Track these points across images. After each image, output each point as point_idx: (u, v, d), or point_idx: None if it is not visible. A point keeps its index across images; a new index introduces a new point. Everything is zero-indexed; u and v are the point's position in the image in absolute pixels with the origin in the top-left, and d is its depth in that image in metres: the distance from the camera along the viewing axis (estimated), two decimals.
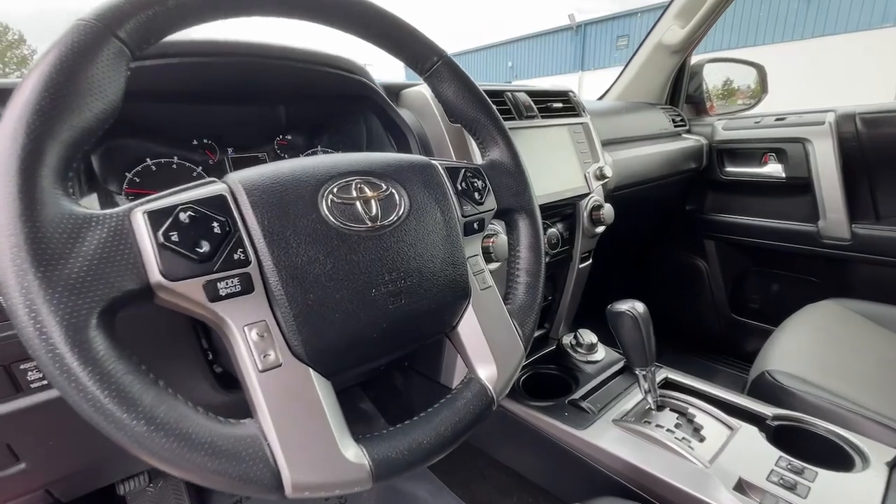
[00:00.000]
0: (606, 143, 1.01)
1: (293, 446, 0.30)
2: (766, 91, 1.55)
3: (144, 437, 0.26)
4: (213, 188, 0.32)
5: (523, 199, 0.50)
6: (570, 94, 0.93)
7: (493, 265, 0.54)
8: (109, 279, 0.27)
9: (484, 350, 0.42)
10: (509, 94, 0.79)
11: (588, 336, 0.89)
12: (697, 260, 1.48)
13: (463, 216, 0.44)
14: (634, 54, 1.39)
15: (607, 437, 0.66)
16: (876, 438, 0.62)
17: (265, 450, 0.29)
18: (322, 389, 0.33)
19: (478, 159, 0.58)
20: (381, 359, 0.39)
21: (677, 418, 0.68)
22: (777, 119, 1.24)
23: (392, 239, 0.37)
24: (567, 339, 0.91)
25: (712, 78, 1.57)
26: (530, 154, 0.77)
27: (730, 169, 1.34)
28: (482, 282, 0.45)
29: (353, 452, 0.32)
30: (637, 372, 0.70)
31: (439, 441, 0.37)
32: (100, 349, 0.26)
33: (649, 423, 0.68)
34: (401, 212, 0.39)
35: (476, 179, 0.47)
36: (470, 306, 0.43)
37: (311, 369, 0.33)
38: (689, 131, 1.38)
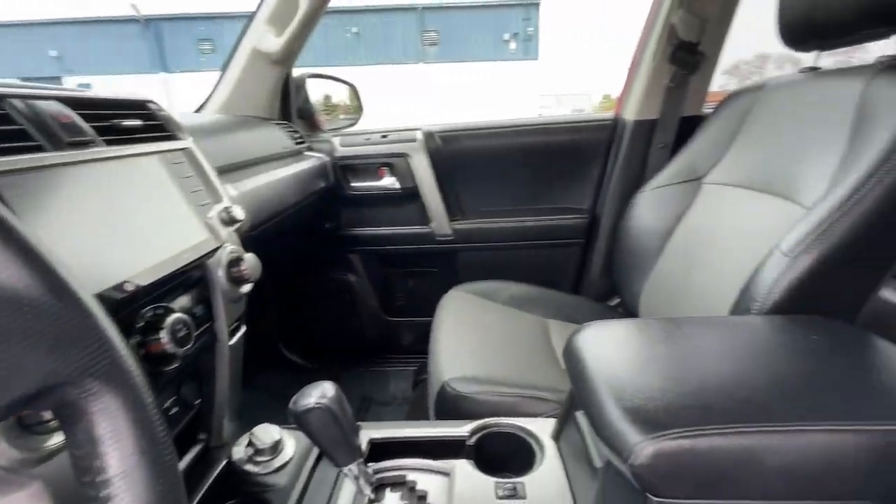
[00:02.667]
0: (225, 171, 0.77)
1: None
2: (361, 109, 1.69)
3: None
4: None
5: (86, 355, 0.22)
6: (152, 104, 0.63)
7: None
8: None
9: None
10: (17, 101, 0.43)
11: (267, 434, 0.66)
12: (347, 275, 1.48)
13: None
14: (229, 60, 1.18)
15: None
16: (540, 412, 0.74)
17: None
18: None
19: None
20: None
21: (400, 497, 0.59)
22: (382, 136, 1.34)
23: None
24: (239, 451, 0.65)
25: (314, 93, 1.57)
26: (96, 209, 0.45)
27: (355, 184, 1.38)
28: None
29: None
30: (344, 471, 0.54)
31: None
32: None
33: None
34: None
35: None
36: None
37: None
38: (310, 149, 1.32)
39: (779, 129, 0.85)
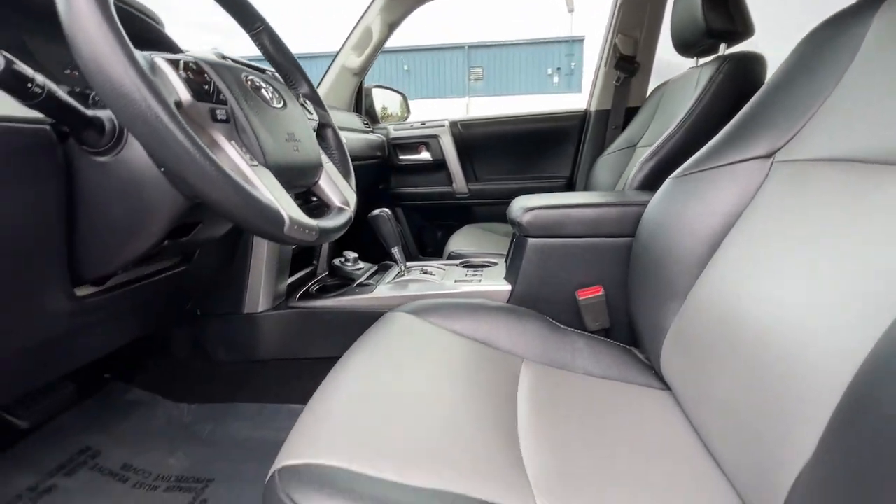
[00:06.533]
0: None
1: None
2: (409, 111, 2.32)
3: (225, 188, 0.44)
4: None
5: (329, 118, 0.82)
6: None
7: None
8: None
9: (341, 184, 0.73)
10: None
11: (351, 254, 1.24)
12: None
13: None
14: (326, 72, 1.84)
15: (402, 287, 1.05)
16: None
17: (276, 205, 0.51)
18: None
19: None
20: None
21: (421, 272, 1.14)
22: (422, 124, 1.95)
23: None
24: (336, 261, 1.23)
25: (376, 103, 2.22)
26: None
27: (402, 157, 1.99)
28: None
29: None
30: (393, 249, 1.11)
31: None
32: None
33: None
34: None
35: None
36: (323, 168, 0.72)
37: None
38: (372, 131, 1.94)
39: (670, 106, 1.37)
